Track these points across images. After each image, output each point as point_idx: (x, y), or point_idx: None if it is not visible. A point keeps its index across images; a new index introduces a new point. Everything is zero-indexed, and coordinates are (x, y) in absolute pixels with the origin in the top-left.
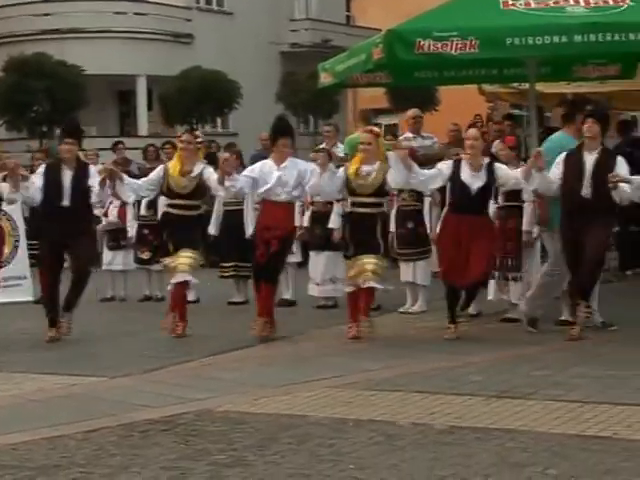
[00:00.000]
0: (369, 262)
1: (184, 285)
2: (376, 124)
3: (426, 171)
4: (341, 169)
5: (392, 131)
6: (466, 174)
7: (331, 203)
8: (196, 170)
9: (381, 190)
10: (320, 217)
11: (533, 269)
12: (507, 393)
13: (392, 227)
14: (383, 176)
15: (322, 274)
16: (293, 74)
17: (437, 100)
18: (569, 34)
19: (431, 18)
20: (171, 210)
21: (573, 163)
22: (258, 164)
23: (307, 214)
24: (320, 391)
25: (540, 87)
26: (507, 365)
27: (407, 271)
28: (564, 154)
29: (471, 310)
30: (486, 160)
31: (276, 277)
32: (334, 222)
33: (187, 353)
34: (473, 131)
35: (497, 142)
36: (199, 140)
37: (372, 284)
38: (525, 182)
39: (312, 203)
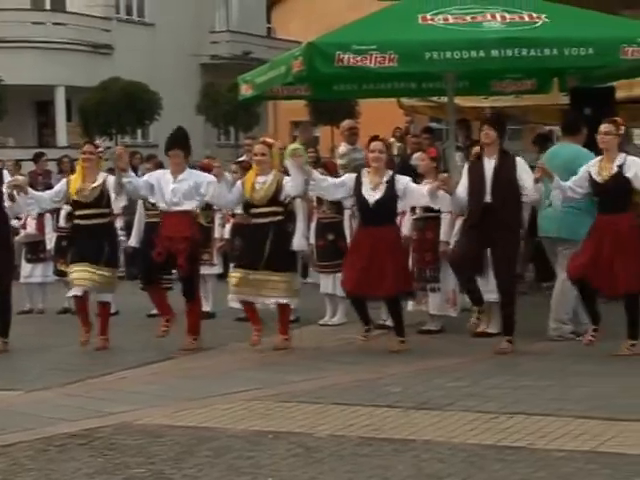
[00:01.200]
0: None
1: (106, 304)
2: (295, 137)
3: (330, 178)
4: (239, 182)
5: (313, 144)
6: (367, 186)
7: None
8: (99, 179)
9: (275, 199)
10: (241, 229)
11: (450, 280)
12: (425, 404)
13: (312, 239)
14: (277, 185)
15: None
16: (214, 86)
17: (357, 113)
18: (486, 49)
19: (351, 32)
20: (79, 221)
21: (475, 172)
22: (158, 172)
23: (228, 226)
24: (239, 403)
25: (458, 101)
26: (425, 377)
27: (327, 283)
28: (467, 164)
29: (390, 322)
30: (389, 173)
31: (194, 293)
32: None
33: (105, 366)
34: (378, 144)
35: (418, 154)
36: (100, 150)
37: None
38: (432, 201)
39: (233, 215)
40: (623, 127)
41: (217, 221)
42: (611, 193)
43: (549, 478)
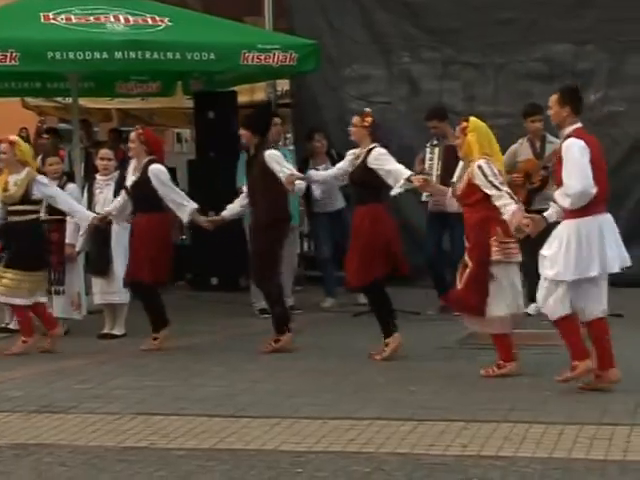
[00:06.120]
0: (4, 276)
1: None
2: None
3: None
4: None
5: None
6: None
7: None
8: None
9: (28, 198)
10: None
11: (75, 283)
12: (47, 408)
13: None
14: (27, 184)
15: None
16: None
17: None
18: (110, 50)
19: None
20: None
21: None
22: None
23: None
24: None
25: (84, 102)
26: (49, 379)
27: None
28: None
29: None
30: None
31: None
32: None
33: None
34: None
35: (50, 158)
36: None
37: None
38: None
39: None
40: (370, 119)
41: None
42: (358, 184)
43: (169, 477)
